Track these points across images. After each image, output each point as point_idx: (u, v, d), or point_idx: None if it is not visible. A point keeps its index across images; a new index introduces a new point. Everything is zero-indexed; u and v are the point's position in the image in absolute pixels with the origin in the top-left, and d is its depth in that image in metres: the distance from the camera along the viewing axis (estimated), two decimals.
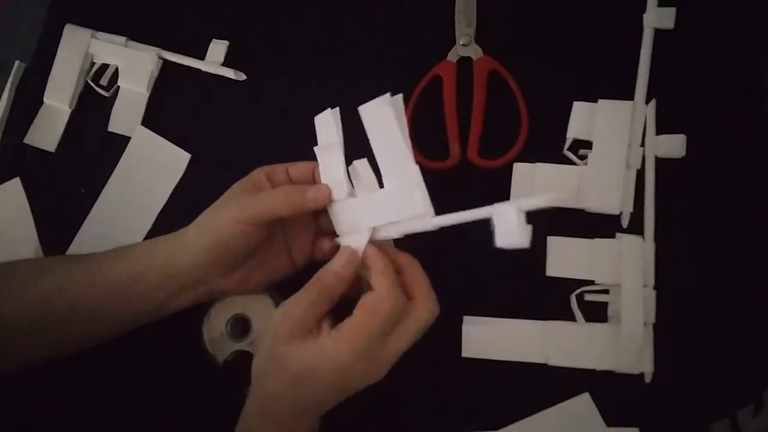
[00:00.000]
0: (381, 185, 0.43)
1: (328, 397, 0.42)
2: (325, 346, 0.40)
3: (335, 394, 0.42)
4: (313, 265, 0.49)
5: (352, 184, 0.44)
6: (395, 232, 0.42)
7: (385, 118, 0.40)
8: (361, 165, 0.43)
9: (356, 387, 0.42)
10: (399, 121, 0.40)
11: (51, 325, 0.46)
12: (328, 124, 0.45)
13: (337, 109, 0.44)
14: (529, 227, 0.36)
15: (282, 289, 0.50)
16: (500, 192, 0.52)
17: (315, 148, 0.45)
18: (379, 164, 0.42)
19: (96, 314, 0.46)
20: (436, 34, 0.55)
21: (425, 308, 0.42)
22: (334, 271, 0.42)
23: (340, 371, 0.40)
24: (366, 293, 0.41)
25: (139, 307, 0.47)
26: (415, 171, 0.41)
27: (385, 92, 0.55)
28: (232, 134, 0.57)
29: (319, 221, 0.48)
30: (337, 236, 0.46)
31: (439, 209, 0.52)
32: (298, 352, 0.41)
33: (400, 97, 0.41)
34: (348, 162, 0.44)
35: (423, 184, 0.41)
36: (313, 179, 0.46)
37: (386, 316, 0.40)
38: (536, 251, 0.51)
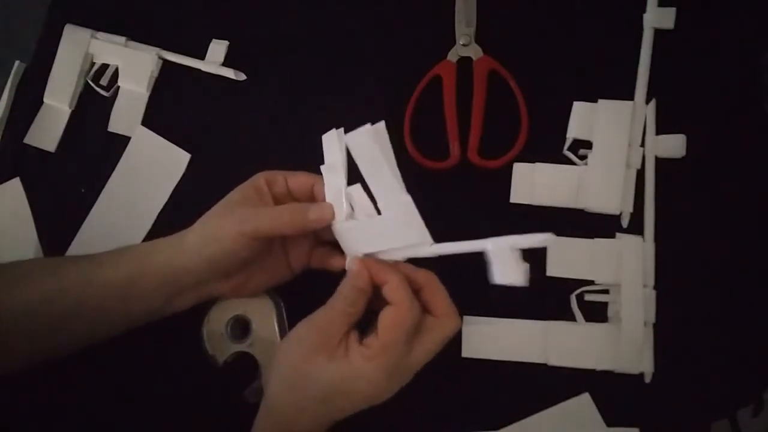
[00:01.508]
0: (378, 210, 0.42)
1: (352, 410, 0.42)
2: (355, 364, 0.41)
3: (360, 407, 0.42)
4: (311, 272, 0.49)
5: (352, 206, 0.44)
6: (399, 256, 0.42)
7: (369, 148, 0.39)
8: (356, 191, 0.42)
9: (382, 399, 0.42)
10: (383, 151, 0.39)
11: (51, 325, 0.46)
12: (332, 143, 0.44)
13: (342, 129, 0.44)
14: (526, 265, 0.35)
15: (281, 290, 0.50)
16: (500, 192, 0.52)
17: (321, 167, 0.45)
18: (372, 192, 0.42)
19: (96, 314, 0.46)
20: (436, 34, 0.55)
21: (449, 324, 0.43)
22: (351, 284, 0.43)
23: (371, 388, 0.41)
24: (384, 308, 0.41)
25: (138, 308, 0.47)
26: (407, 201, 0.40)
27: (385, 93, 0.55)
28: (232, 134, 0.57)
29: (317, 230, 0.48)
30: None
31: (440, 209, 0.52)
32: (329, 369, 0.41)
33: (382, 124, 0.40)
34: (353, 182, 0.43)
35: (417, 214, 0.40)
36: (312, 193, 0.46)
37: (407, 329, 0.41)
38: (536, 251, 0.50)
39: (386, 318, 0.41)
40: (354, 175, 0.43)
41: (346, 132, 0.42)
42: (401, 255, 0.42)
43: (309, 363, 0.41)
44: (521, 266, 0.35)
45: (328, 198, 0.44)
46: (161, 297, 0.47)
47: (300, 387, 0.42)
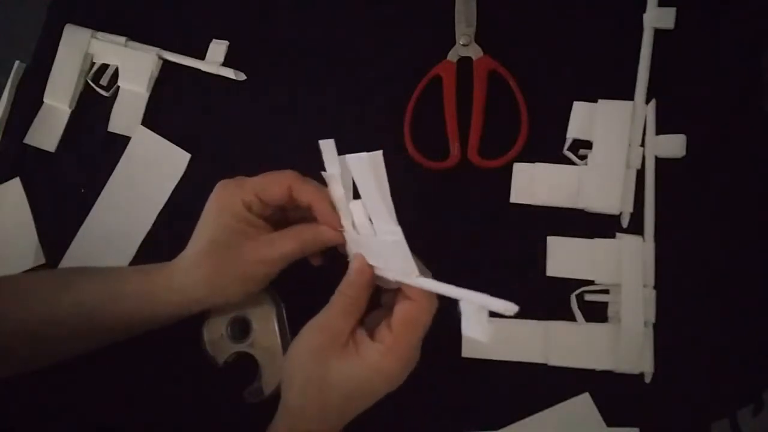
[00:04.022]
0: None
1: (371, 404, 0.42)
2: (371, 361, 0.40)
3: (378, 399, 0.42)
4: (311, 272, 0.48)
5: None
6: (391, 277, 0.41)
7: (364, 175, 0.38)
8: (356, 207, 0.41)
9: (396, 387, 0.42)
10: (378, 180, 0.38)
11: (61, 336, 0.46)
12: (329, 153, 0.43)
13: (332, 141, 0.42)
14: (492, 325, 0.36)
15: (281, 290, 0.50)
16: (500, 192, 0.52)
17: (323, 174, 0.45)
18: (368, 211, 0.41)
19: (108, 326, 0.47)
20: (436, 34, 0.55)
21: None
22: (352, 280, 0.42)
23: (389, 380, 0.41)
24: (403, 302, 0.41)
25: (144, 327, 0.48)
26: (396, 233, 0.39)
27: (385, 93, 0.55)
28: (232, 134, 0.57)
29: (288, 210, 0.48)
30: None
31: (440, 209, 0.52)
32: (346, 370, 0.40)
33: (379, 154, 0.38)
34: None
35: (405, 245, 0.39)
36: (291, 198, 0.45)
37: (426, 325, 0.40)
38: (536, 251, 0.51)
39: (406, 315, 0.40)
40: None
41: (340, 145, 0.42)
42: (392, 276, 0.41)
43: (323, 368, 0.41)
44: (487, 326, 0.35)
45: (335, 202, 0.44)
46: (167, 322, 0.47)
47: (320, 393, 0.41)
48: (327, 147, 0.43)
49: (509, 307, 0.35)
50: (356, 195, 0.41)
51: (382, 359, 0.40)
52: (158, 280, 0.46)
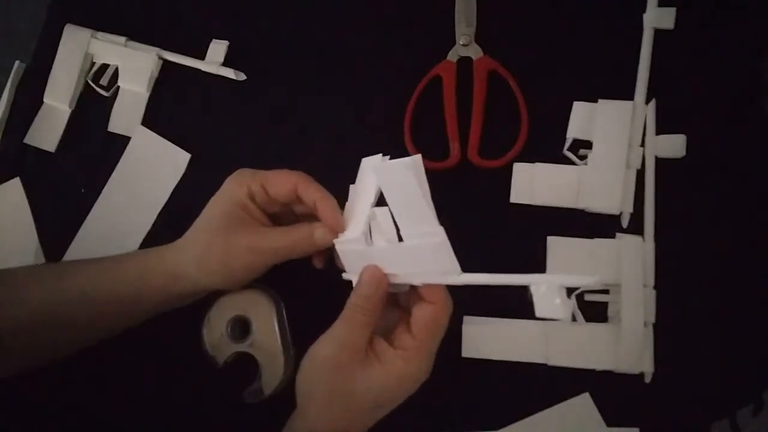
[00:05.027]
0: (399, 236, 0.41)
1: (395, 405, 0.42)
2: (397, 368, 0.40)
3: (402, 400, 0.42)
4: (310, 273, 0.48)
5: (369, 228, 0.43)
6: (417, 281, 0.41)
7: (405, 180, 0.38)
8: (382, 214, 0.41)
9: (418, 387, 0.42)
10: (420, 184, 0.38)
11: (61, 326, 0.46)
12: (370, 165, 0.44)
13: (387, 157, 0.44)
14: (570, 301, 0.35)
15: (281, 290, 0.50)
16: (500, 192, 0.52)
17: (351, 186, 0.45)
18: (396, 218, 0.40)
19: (106, 310, 0.47)
20: (436, 34, 0.55)
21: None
22: (367, 294, 0.42)
23: (414, 383, 0.41)
24: (422, 306, 0.41)
25: (140, 314, 0.48)
26: (440, 233, 0.39)
27: (385, 93, 0.55)
28: (232, 134, 0.57)
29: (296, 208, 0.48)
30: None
31: (440, 209, 0.52)
32: (372, 379, 0.40)
33: (419, 157, 0.39)
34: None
35: (449, 244, 0.39)
36: (296, 196, 0.45)
37: (445, 325, 0.41)
38: (536, 251, 0.51)
39: (426, 319, 0.41)
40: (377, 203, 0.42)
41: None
42: (423, 280, 0.41)
43: (348, 380, 0.40)
44: (566, 303, 0.35)
45: (348, 214, 0.44)
46: (165, 305, 0.48)
47: (346, 404, 0.41)
48: (371, 161, 0.44)
49: (588, 280, 0.34)
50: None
51: (407, 365, 0.40)
52: (152, 256, 0.47)
